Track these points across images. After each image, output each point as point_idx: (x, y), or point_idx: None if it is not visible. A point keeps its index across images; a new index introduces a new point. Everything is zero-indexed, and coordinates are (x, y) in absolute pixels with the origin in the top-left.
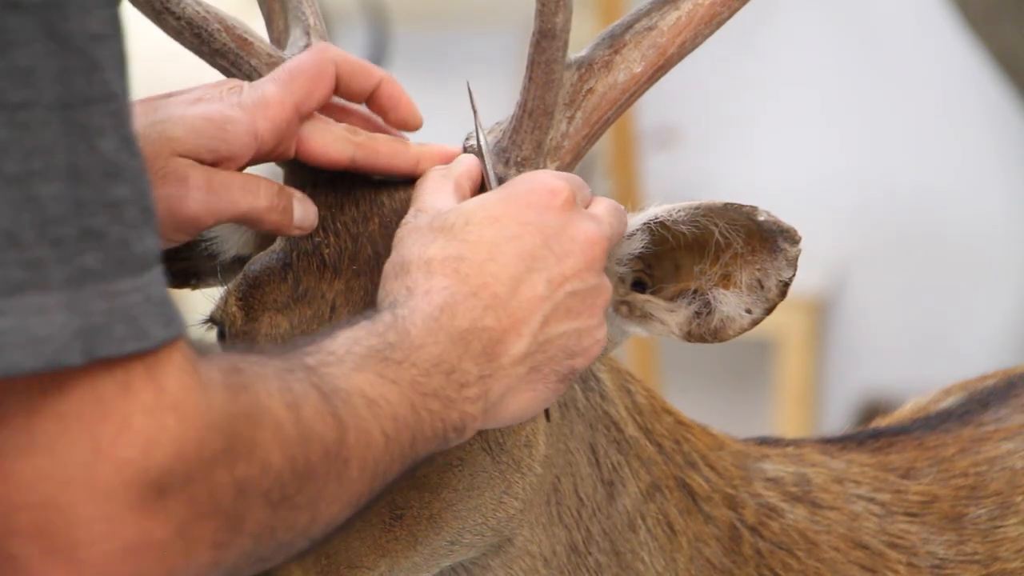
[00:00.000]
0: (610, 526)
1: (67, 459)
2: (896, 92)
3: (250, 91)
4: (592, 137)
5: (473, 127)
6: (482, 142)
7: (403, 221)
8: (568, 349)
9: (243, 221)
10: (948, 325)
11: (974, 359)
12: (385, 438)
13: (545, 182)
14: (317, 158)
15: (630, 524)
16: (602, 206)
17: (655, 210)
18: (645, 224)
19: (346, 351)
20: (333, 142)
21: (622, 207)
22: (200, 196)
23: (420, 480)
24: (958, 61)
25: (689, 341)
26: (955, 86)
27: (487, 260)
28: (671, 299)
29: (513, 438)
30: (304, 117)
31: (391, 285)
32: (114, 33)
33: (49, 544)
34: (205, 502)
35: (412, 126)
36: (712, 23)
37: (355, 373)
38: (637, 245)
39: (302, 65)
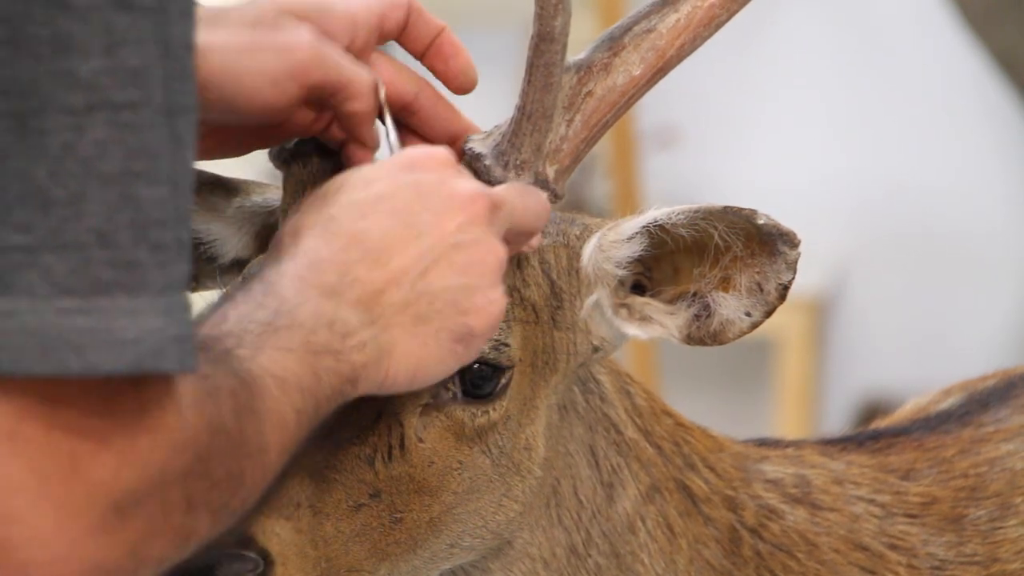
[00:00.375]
0: (610, 528)
1: (46, 473)
2: (896, 92)
3: None
4: (591, 140)
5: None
6: (386, 118)
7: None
8: (458, 305)
9: (345, 87)
10: (948, 325)
11: (974, 359)
12: (296, 414)
13: (422, 148)
14: (387, 83)
15: (630, 526)
16: (504, 187)
17: (654, 213)
18: (644, 227)
19: (242, 330)
20: (403, 72)
21: (534, 188)
22: (310, 43)
23: (420, 483)
24: (958, 61)
25: (688, 344)
26: (955, 86)
27: (358, 218)
28: (670, 302)
29: (513, 441)
30: (384, 36)
31: (261, 257)
32: (194, 44)
33: (7, 560)
34: (159, 521)
35: (470, 79)
36: (711, 25)
37: (259, 353)
38: (636, 248)
39: None
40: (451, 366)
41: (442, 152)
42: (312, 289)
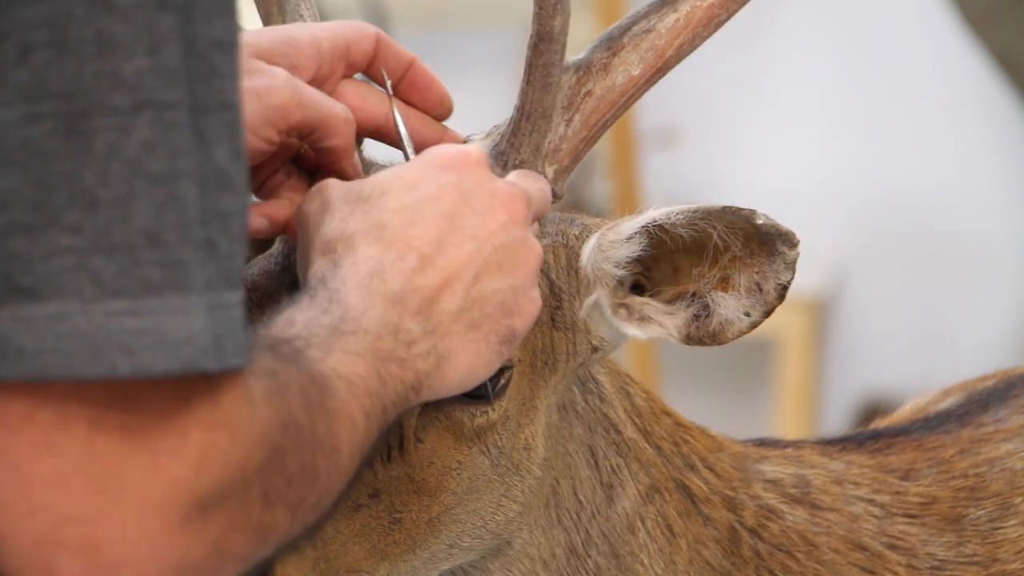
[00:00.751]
0: (609, 528)
1: (124, 473)
2: (896, 92)
3: (300, 27)
4: (590, 140)
5: (470, 130)
6: (396, 115)
7: (308, 195)
8: (505, 307)
9: (323, 124)
10: (948, 325)
11: (974, 359)
12: (365, 417)
13: (454, 147)
14: (356, 110)
15: (629, 526)
16: (513, 174)
17: (653, 213)
18: (643, 227)
19: (310, 333)
20: (371, 95)
21: (536, 173)
22: (288, 85)
23: (419, 484)
24: (958, 61)
25: (688, 344)
26: (955, 86)
27: (409, 225)
28: (669, 302)
29: (512, 441)
30: (351, 66)
31: (318, 263)
32: (233, 42)
33: (93, 561)
34: (240, 517)
35: (447, 108)
36: (710, 25)
37: (328, 355)
38: (635, 248)
39: (344, 22)
40: (496, 367)
41: (475, 151)
42: (376, 297)
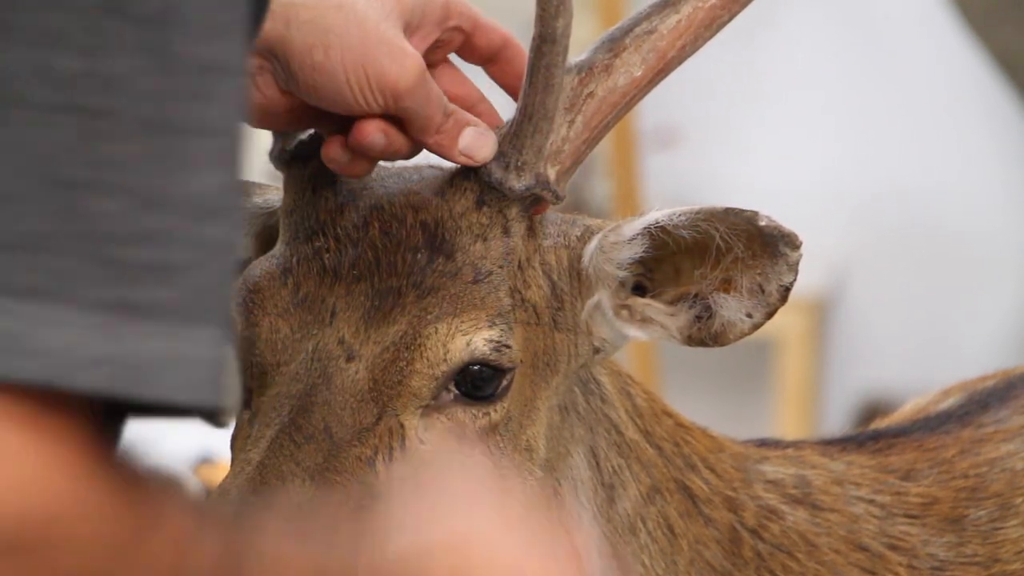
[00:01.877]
0: (610, 529)
1: None
2: (897, 92)
3: None
4: (592, 141)
5: None
6: None
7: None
8: None
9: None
10: (948, 325)
11: (974, 359)
12: None
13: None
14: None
15: (630, 527)
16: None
17: (655, 214)
18: (645, 228)
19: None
20: (465, 83)
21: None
22: (418, 70)
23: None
24: (959, 62)
25: (690, 345)
26: (956, 87)
27: None
28: (671, 303)
29: (514, 442)
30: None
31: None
32: (234, 67)
33: None
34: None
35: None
36: (712, 26)
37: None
38: (637, 249)
39: None
40: None
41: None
42: None
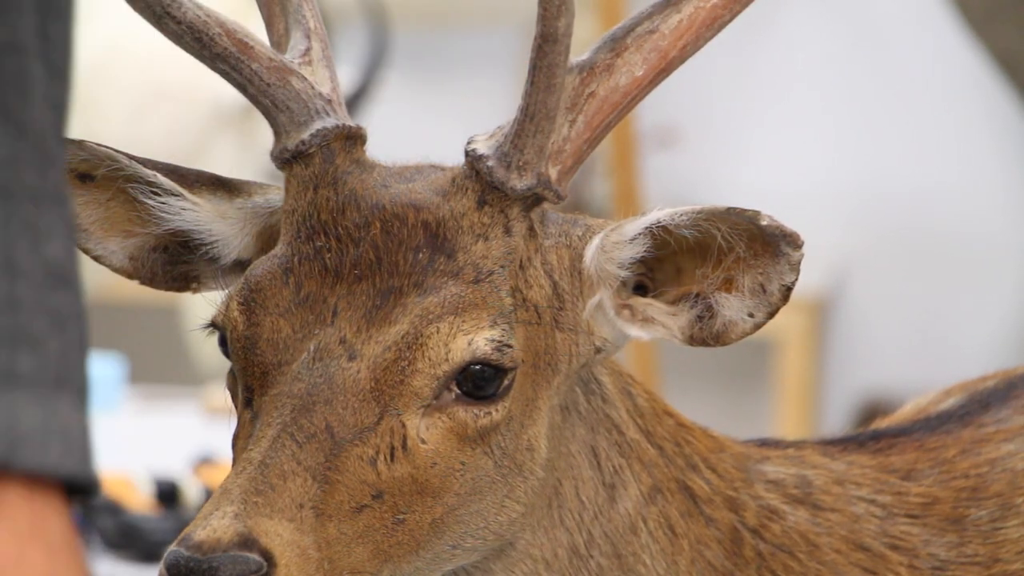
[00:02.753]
0: (611, 529)
1: None
2: (896, 92)
3: None
4: (594, 141)
5: (471, 130)
6: None
7: None
8: None
9: None
10: (948, 325)
11: (974, 359)
12: None
13: None
14: None
15: (631, 527)
16: None
17: (657, 214)
18: (647, 228)
19: None
20: None
21: None
22: None
23: (422, 484)
24: (958, 62)
25: (691, 345)
26: (955, 87)
27: None
28: (673, 303)
29: (515, 442)
30: None
31: None
32: (64, 136)
33: None
34: None
35: None
36: (714, 26)
37: None
38: (639, 249)
39: None
40: None
41: None
42: None
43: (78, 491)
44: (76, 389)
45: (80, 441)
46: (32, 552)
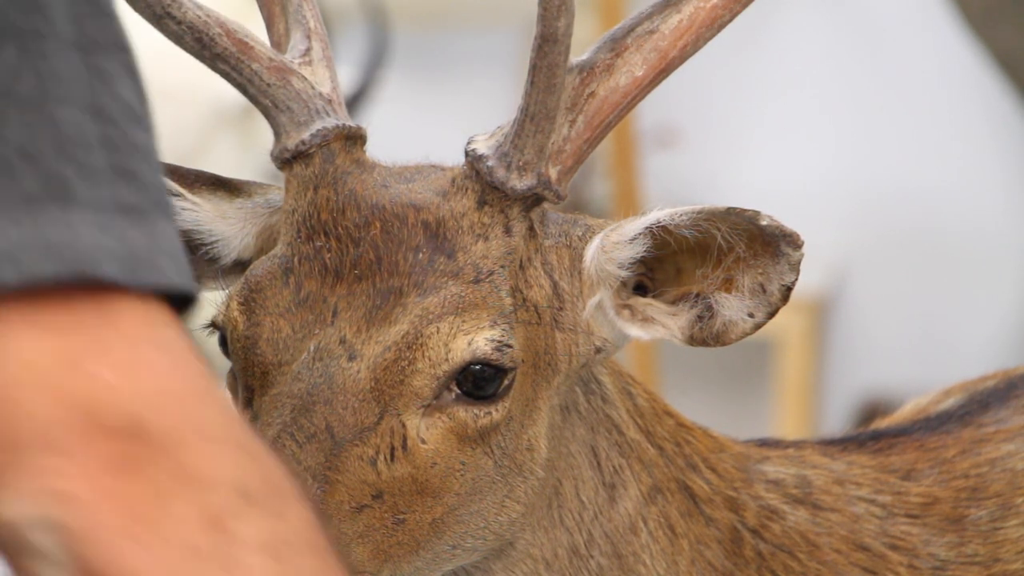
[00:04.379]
0: (611, 529)
1: (45, 367)
2: (896, 92)
3: None
4: (594, 141)
5: (471, 130)
6: None
7: None
8: None
9: None
10: (948, 325)
11: (974, 359)
12: None
13: None
14: None
15: (631, 527)
16: None
17: (657, 214)
18: (647, 228)
19: None
20: None
21: None
22: None
23: (422, 484)
24: (958, 62)
25: (691, 344)
26: (955, 87)
27: None
28: (673, 303)
29: (516, 442)
30: None
31: None
32: None
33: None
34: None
35: None
36: (714, 26)
37: None
38: (639, 249)
39: None
40: None
41: None
42: None
43: (182, 308)
44: (169, 214)
45: (183, 259)
46: (152, 354)
